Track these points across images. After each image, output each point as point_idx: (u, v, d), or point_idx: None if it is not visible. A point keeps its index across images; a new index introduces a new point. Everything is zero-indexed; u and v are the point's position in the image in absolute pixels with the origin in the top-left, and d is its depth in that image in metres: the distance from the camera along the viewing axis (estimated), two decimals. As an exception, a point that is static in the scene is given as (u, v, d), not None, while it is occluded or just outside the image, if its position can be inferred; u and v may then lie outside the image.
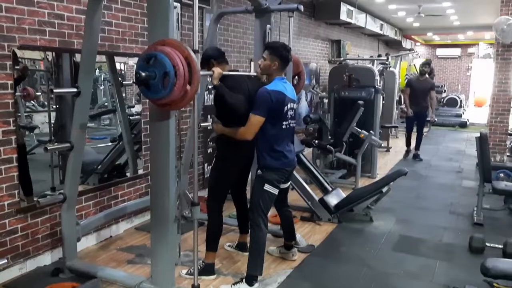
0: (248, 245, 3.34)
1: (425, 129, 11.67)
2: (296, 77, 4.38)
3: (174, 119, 2.79)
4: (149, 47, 2.58)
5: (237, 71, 3.48)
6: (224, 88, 3.12)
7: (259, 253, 3.20)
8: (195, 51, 2.58)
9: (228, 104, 3.15)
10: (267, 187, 3.20)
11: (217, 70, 3.07)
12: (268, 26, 3.93)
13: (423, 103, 7.94)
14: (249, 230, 3.35)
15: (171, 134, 2.74)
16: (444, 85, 16.39)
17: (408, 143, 8.36)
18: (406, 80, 8.89)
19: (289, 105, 3.21)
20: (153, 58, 2.46)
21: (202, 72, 2.73)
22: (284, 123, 3.20)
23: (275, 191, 3.25)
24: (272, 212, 4.29)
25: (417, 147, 8.19)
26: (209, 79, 3.11)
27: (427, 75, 8.11)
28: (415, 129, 8.27)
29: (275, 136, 3.17)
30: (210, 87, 3.08)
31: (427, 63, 8.13)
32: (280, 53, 3.16)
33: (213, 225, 3.41)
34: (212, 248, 3.39)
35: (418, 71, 8.56)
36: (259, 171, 3.25)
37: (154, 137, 2.84)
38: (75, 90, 3.14)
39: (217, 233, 3.43)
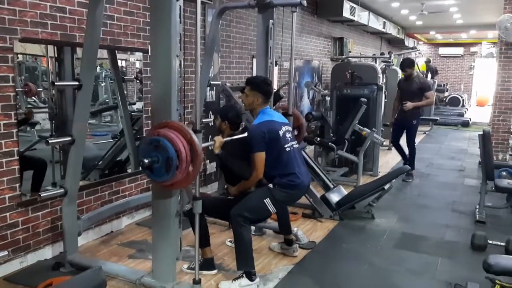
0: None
1: (427, 128, 11.72)
2: (296, 130, 4.47)
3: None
4: (152, 131, 2.66)
5: (241, 133, 3.46)
6: (226, 157, 3.22)
7: (246, 249, 3.16)
8: (197, 132, 2.67)
9: (234, 173, 3.29)
10: (267, 201, 3.18)
11: (218, 140, 3.16)
12: (271, 21, 3.91)
13: (415, 109, 6.47)
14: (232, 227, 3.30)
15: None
16: (447, 84, 16.34)
17: (403, 157, 6.76)
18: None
19: (283, 129, 3.27)
20: (156, 143, 2.55)
21: (203, 144, 2.87)
22: (286, 146, 3.23)
23: (272, 210, 3.24)
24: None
25: (409, 162, 6.56)
26: (211, 148, 3.20)
27: (419, 75, 6.94)
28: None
29: (283, 161, 3.19)
30: (214, 152, 3.22)
31: (407, 64, 6.53)
32: (261, 89, 3.30)
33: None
34: (204, 244, 3.35)
35: (419, 69, 8.03)
36: (271, 185, 3.24)
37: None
38: (76, 83, 3.13)
39: (201, 229, 3.36)
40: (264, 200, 3.18)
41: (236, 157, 3.29)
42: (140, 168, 2.74)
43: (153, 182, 2.83)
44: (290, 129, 3.41)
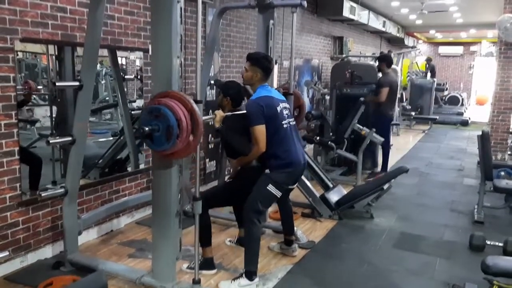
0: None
1: (427, 127, 11.73)
2: (297, 109, 4.44)
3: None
4: (152, 100, 2.64)
5: (241, 109, 3.45)
6: (226, 132, 3.22)
7: (254, 249, 3.20)
8: (198, 102, 2.65)
9: (233, 148, 3.29)
10: (270, 187, 3.19)
11: (219, 114, 3.16)
12: (271, 21, 3.92)
13: (376, 107, 6.33)
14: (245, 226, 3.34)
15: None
16: (446, 83, 16.35)
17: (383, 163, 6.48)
18: None
19: (281, 105, 3.26)
20: (156, 111, 2.53)
21: (204, 118, 2.82)
22: (283, 122, 3.22)
23: (278, 194, 3.23)
24: (273, 208, 4.31)
25: (383, 167, 6.43)
26: (211, 123, 3.20)
27: (390, 72, 6.47)
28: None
29: (279, 138, 3.19)
30: (214, 129, 3.21)
31: (381, 57, 6.50)
32: (262, 64, 3.26)
33: (201, 221, 3.39)
34: (206, 243, 3.37)
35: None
36: (267, 170, 3.25)
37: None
38: (77, 83, 3.13)
39: (205, 228, 3.40)
40: (267, 187, 3.19)
41: (237, 132, 3.27)
42: (140, 137, 2.68)
43: (153, 153, 2.77)
44: (288, 106, 3.39)
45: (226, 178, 4.25)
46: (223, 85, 3.67)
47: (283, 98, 3.40)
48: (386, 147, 6.47)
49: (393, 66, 9.01)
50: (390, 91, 6.30)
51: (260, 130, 3.12)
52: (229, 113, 3.29)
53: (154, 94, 2.67)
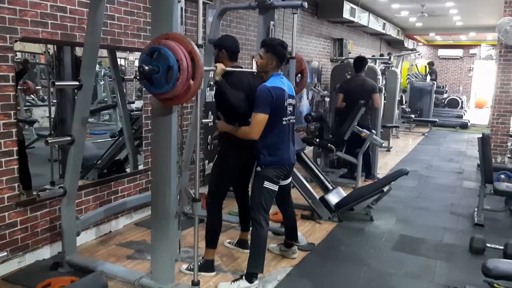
0: (249, 242, 3.33)
1: (426, 130, 11.74)
2: (299, 74, 4.37)
3: (177, 115, 2.77)
4: (152, 41, 2.56)
5: (240, 67, 3.45)
6: (225, 85, 3.10)
7: (261, 251, 3.19)
8: (199, 46, 2.57)
9: (229, 102, 3.13)
10: (266, 184, 3.18)
11: (220, 66, 3.05)
12: (272, 22, 3.90)
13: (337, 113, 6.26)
14: (251, 228, 3.33)
15: (173, 129, 2.73)
16: (446, 86, 16.37)
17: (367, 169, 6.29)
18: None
19: (288, 101, 3.20)
20: (156, 52, 2.44)
21: (205, 68, 2.72)
22: (284, 118, 3.19)
23: (275, 188, 3.23)
24: (273, 209, 4.29)
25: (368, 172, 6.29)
26: (211, 74, 3.08)
27: (358, 75, 6.15)
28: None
29: (275, 133, 3.15)
30: (211, 83, 3.07)
31: (357, 60, 6.19)
32: (277, 52, 3.13)
33: (213, 222, 3.39)
34: (211, 245, 3.37)
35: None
36: (258, 168, 3.23)
37: (156, 132, 2.83)
38: (77, 83, 3.11)
39: (216, 230, 3.41)
40: (264, 185, 3.17)
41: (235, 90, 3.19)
42: (138, 78, 2.57)
43: (153, 95, 2.66)
44: (294, 102, 3.32)
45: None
46: (218, 39, 3.55)
47: (293, 93, 3.32)
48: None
49: (393, 68, 9.06)
50: (348, 98, 5.99)
51: (262, 119, 3.05)
52: (230, 68, 3.20)
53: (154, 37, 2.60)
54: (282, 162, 3.23)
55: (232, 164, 3.36)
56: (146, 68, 2.45)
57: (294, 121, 3.34)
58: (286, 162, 3.26)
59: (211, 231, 3.39)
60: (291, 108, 3.26)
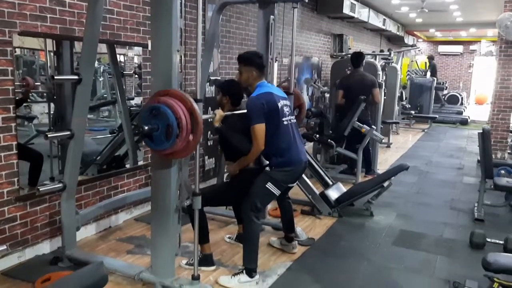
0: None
1: (426, 126, 11.72)
2: (297, 109, 4.43)
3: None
4: (152, 98, 2.62)
5: (242, 109, 3.41)
6: (226, 131, 3.20)
7: (253, 246, 3.17)
8: (198, 101, 2.64)
9: (233, 146, 3.25)
10: (269, 185, 3.16)
11: (219, 113, 3.12)
12: (272, 17, 3.89)
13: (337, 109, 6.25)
14: (243, 224, 3.32)
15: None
16: (446, 82, 16.34)
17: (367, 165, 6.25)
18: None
19: (281, 102, 3.23)
20: (156, 110, 2.51)
21: (204, 116, 2.82)
22: (283, 119, 3.20)
23: (277, 192, 3.21)
24: (273, 205, 4.30)
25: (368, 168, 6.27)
26: (210, 120, 3.15)
27: (357, 71, 6.14)
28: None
29: (280, 134, 3.16)
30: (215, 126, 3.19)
31: (354, 56, 6.23)
32: (254, 62, 3.24)
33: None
34: (203, 240, 3.34)
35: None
36: (267, 168, 3.22)
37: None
38: (76, 77, 3.10)
39: (202, 224, 3.34)
40: (266, 185, 3.16)
41: (236, 132, 3.24)
42: (139, 136, 2.68)
43: (153, 152, 2.75)
44: (288, 103, 3.36)
45: (225, 176, 4.21)
46: (223, 84, 3.65)
47: (284, 95, 3.37)
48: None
49: (393, 64, 9.04)
50: (348, 94, 5.97)
51: (260, 129, 3.09)
52: (229, 113, 3.26)
53: (154, 92, 2.65)
54: (293, 163, 3.22)
55: (244, 188, 3.29)
56: (146, 128, 2.54)
57: (295, 120, 3.36)
58: (297, 162, 3.25)
59: (198, 227, 3.36)
60: (287, 109, 3.28)
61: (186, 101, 2.54)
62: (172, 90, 2.62)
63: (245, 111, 3.21)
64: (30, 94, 3.75)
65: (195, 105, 2.55)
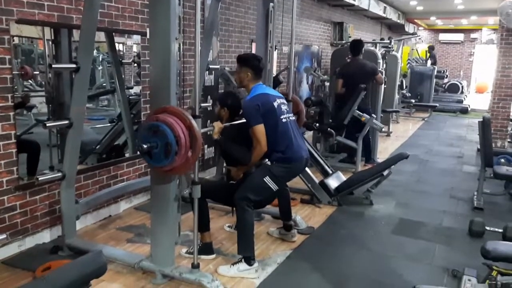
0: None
1: (426, 115, 11.70)
2: (296, 115, 4.38)
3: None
4: (151, 116, 2.63)
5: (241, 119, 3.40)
6: (225, 142, 3.21)
7: (247, 235, 3.16)
8: (196, 117, 2.65)
9: (234, 157, 3.27)
10: (267, 179, 3.16)
11: (217, 126, 3.12)
12: (271, 4, 3.85)
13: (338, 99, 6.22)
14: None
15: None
16: (446, 71, 16.27)
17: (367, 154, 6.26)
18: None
19: (278, 101, 3.23)
20: (155, 128, 2.53)
21: (202, 130, 2.84)
22: (282, 117, 3.19)
23: (274, 187, 3.20)
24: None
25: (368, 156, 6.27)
26: (209, 133, 3.16)
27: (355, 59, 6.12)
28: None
29: (279, 133, 3.16)
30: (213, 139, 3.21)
31: (353, 44, 6.17)
32: (250, 63, 3.24)
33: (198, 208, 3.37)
34: (204, 229, 3.35)
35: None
36: (268, 162, 3.22)
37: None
38: (74, 65, 3.08)
39: (202, 214, 3.35)
40: (264, 179, 3.15)
41: (235, 142, 3.26)
42: (139, 153, 2.71)
43: (152, 168, 2.80)
44: (285, 102, 3.35)
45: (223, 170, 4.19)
46: (221, 96, 3.65)
47: (279, 95, 3.37)
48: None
49: (393, 53, 8.99)
50: (347, 83, 5.90)
51: (260, 130, 3.09)
52: (228, 124, 3.26)
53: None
54: (293, 159, 3.21)
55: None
56: (145, 146, 2.56)
57: (294, 118, 3.37)
58: (298, 159, 3.24)
59: (198, 216, 3.36)
60: (285, 107, 3.28)
61: (184, 119, 2.56)
62: (170, 107, 2.64)
63: (244, 120, 3.22)
64: (29, 83, 3.74)
65: (193, 122, 2.57)
